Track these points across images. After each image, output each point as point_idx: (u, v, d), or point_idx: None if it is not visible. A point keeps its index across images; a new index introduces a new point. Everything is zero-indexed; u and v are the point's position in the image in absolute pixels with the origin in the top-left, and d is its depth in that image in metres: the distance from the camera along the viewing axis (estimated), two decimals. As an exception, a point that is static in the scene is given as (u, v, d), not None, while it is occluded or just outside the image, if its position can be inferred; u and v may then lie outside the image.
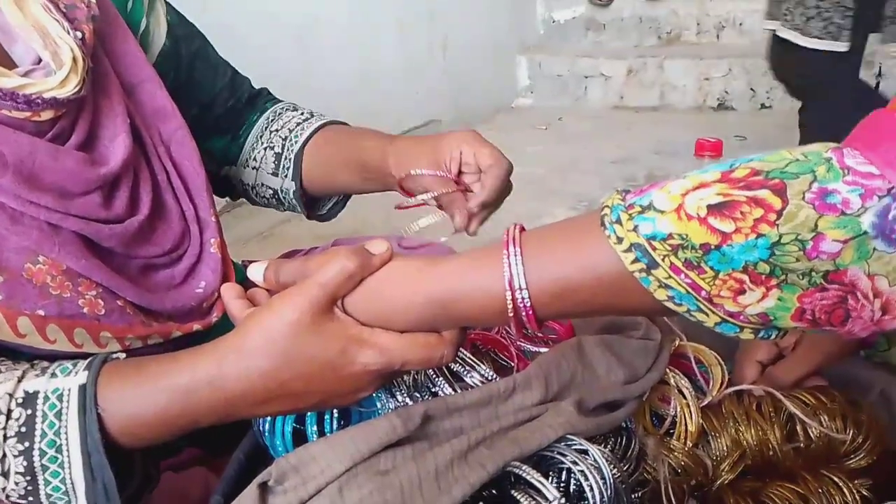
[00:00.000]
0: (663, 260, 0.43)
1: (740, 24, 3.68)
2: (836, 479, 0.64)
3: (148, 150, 0.74)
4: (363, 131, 0.92)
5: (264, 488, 0.53)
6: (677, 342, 0.72)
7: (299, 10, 2.70)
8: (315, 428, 0.61)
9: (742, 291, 0.42)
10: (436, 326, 0.52)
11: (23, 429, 0.51)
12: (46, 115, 0.62)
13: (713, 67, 3.50)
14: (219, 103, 0.91)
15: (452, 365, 0.65)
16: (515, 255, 0.48)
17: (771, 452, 0.65)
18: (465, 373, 0.64)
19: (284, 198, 0.94)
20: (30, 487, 0.51)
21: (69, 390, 0.52)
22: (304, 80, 2.64)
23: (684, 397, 0.66)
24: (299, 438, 0.62)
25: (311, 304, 0.50)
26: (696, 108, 3.55)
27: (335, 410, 0.62)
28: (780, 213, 0.40)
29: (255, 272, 0.57)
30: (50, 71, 0.63)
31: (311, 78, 2.71)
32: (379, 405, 0.63)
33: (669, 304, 0.44)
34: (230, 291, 0.57)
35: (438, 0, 3.38)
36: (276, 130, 0.94)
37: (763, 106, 3.44)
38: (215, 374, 0.51)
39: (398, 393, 0.63)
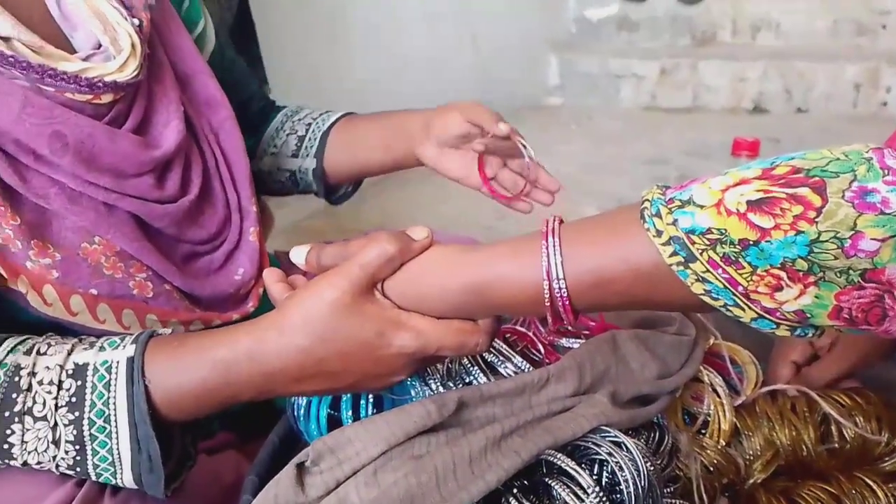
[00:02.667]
0: (701, 254, 0.43)
1: (777, 26, 3.63)
2: (869, 481, 0.63)
3: (199, 137, 0.76)
4: (388, 113, 0.96)
5: (301, 468, 0.54)
6: (712, 341, 0.72)
7: (329, 4, 2.72)
8: (350, 413, 0.62)
9: (779, 288, 0.42)
10: (472, 314, 0.53)
11: (73, 399, 0.52)
12: (106, 98, 0.64)
13: (748, 69, 3.45)
14: (253, 103, 0.95)
15: (487, 355, 0.65)
16: (554, 246, 0.48)
17: (804, 453, 0.65)
18: (500, 363, 0.64)
19: (301, 178, 0.96)
20: (78, 457, 0.53)
21: (117, 362, 0.53)
22: (333, 74, 2.66)
23: (718, 395, 0.66)
24: (333, 424, 0.63)
25: (350, 285, 0.51)
26: (729, 109, 3.51)
27: (370, 396, 0.63)
28: (819, 211, 0.40)
29: (297, 255, 0.58)
30: (109, 56, 0.66)
31: (339, 71, 2.73)
32: (413, 393, 0.63)
33: (706, 298, 0.44)
34: (272, 276, 0.59)
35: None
36: (300, 119, 0.97)
37: (799, 109, 3.39)
38: (255, 348, 0.52)
39: (432, 381, 0.64)
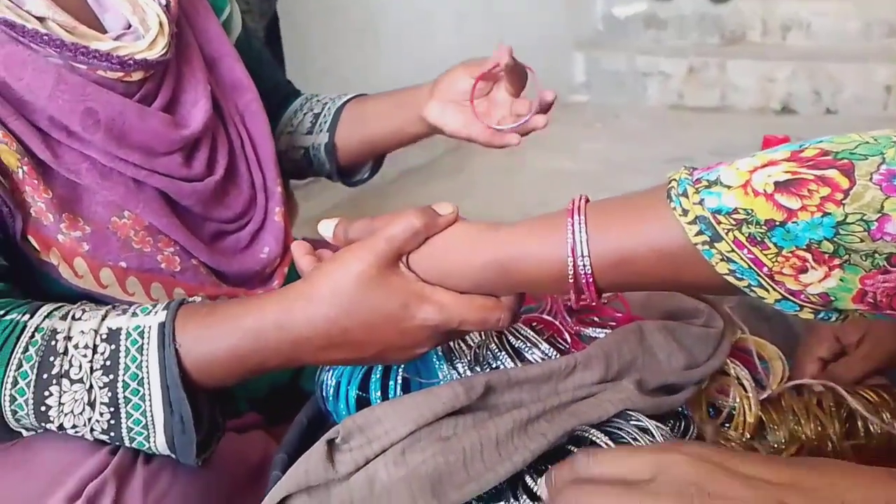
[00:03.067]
0: (727, 234, 0.43)
1: (808, 26, 3.59)
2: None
3: (225, 118, 0.78)
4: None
5: (331, 445, 0.55)
6: (738, 335, 0.72)
7: (358, 5, 2.74)
8: (378, 394, 0.63)
9: (804, 270, 0.42)
10: (494, 289, 0.54)
11: (107, 362, 0.54)
12: (137, 75, 0.66)
13: (777, 69, 3.42)
14: (276, 92, 0.97)
15: (514, 341, 0.66)
16: (580, 223, 0.48)
17: (829, 448, 0.65)
18: (527, 349, 0.65)
19: (314, 155, 0.96)
20: (112, 420, 0.54)
21: (149, 327, 0.54)
22: (363, 72, 2.68)
23: (744, 389, 0.66)
24: (362, 405, 0.64)
25: (376, 257, 0.52)
26: (757, 109, 3.48)
27: (399, 378, 0.63)
28: (846, 193, 0.40)
29: (326, 228, 0.59)
30: (139, 35, 0.68)
31: (368, 70, 2.74)
32: (440, 376, 0.64)
33: (730, 279, 0.44)
34: (300, 248, 0.60)
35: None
36: (318, 100, 0.99)
37: (828, 111, 3.36)
38: (283, 317, 0.53)
39: (459, 364, 0.64)
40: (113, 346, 0.54)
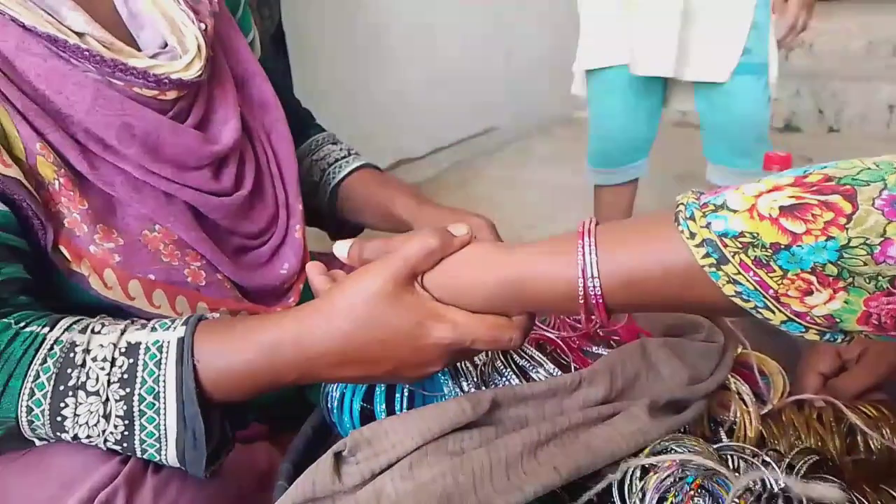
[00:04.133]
0: (733, 257, 0.44)
1: (810, 46, 3.61)
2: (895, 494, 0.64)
3: (253, 136, 0.81)
4: (394, 183, 0.97)
5: (338, 457, 0.56)
6: (740, 349, 0.72)
7: (364, 19, 2.77)
8: (383, 406, 0.64)
9: (809, 292, 0.43)
10: (506, 309, 0.55)
11: (125, 376, 0.55)
12: (171, 94, 0.68)
13: (780, 88, 3.42)
14: (290, 114, 0.96)
15: (519, 360, 0.67)
16: (590, 245, 0.50)
17: (830, 463, 0.65)
18: (532, 368, 0.66)
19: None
20: (126, 432, 0.55)
21: (168, 342, 0.56)
22: (368, 87, 2.70)
23: (745, 403, 0.67)
24: (366, 417, 0.65)
25: (392, 276, 0.53)
26: (760, 127, 3.49)
27: (405, 390, 0.64)
28: (849, 217, 0.41)
29: (340, 249, 0.61)
30: (175, 55, 0.70)
31: (374, 85, 2.77)
32: (445, 390, 0.65)
33: (737, 300, 0.46)
34: (314, 269, 0.61)
35: (503, 11, 3.40)
36: (317, 161, 1.00)
37: (832, 129, 3.37)
38: (300, 333, 0.55)
39: (465, 382, 0.65)
40: (131, 360, 0.55)
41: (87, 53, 0.63)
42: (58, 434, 0.55)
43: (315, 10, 2.49)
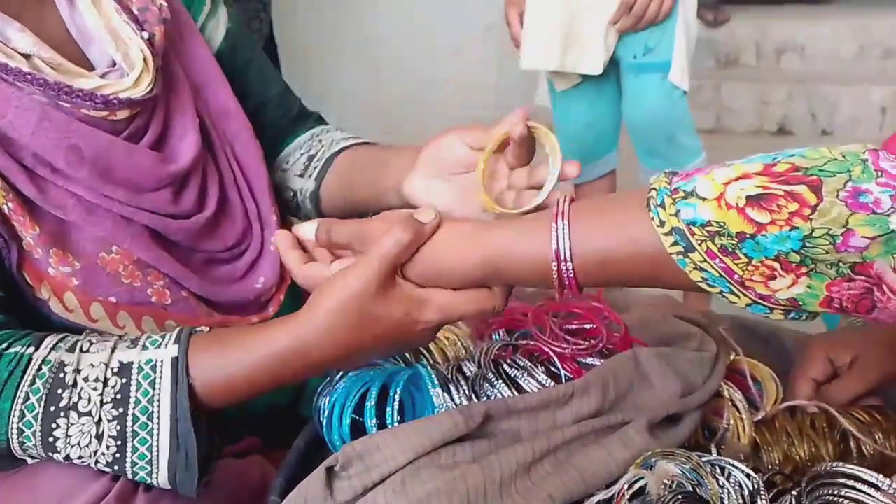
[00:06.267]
0: (700, 245, 0.46)
1: (802, 49, 3.62)
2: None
3: (215, 148, 0.78)
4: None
5: (330, 473, 0.56)
6: (732, 356, 0.72)
7: (357, 27, 2.78)
8: (374, 421, 0.63)
9: (773, 277, 0.45)
10: (485, 284, 0.57)
11: (118, 396, 0.54)
12: (122, 114, 0.66)
13: (772, 91, 3.45)
14: (267, 112, 0.91)
15: (510, 370, 0.66)
16: (563, 229, 0.51)
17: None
18: (523, 378, 0.66)
19: (302, 201, 0.90)
20: (118, 454, 0.54)
21: (162, 361, 0.56)
22: (363, 94, 2.71)
23: (738, 410, 0.67)
24: (357, 431, 0.64)
25: (375, 276, 0.54)
26: (753, 132, 3.50)
27: (395, 403, 0.64)
28: (814, 209, 0.43)
29: (306, 230, 0.62)
30: (124, 72, 0.68)
31: (368, 91, 2.77)
32: (437, 402, 0.65)
33: (703, 286, 0.48)
34: (286, 241, 0.62)
35: (495, 19, 3.41)
36: (320, 141, 0.92)
37: (824, 132, 3.38)
38: (295, 346, 0.56)
39: (456, 395, 0.65)
40: (124, 380, 0.55)
41: (30, 77, 0.61)
42: (50, 454, 0.55)
43: (307, 19, 2.50)
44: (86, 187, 0.65)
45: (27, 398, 0.54)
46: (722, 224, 0.45)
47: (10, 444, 0.55)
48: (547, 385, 0.65)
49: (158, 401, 0.54)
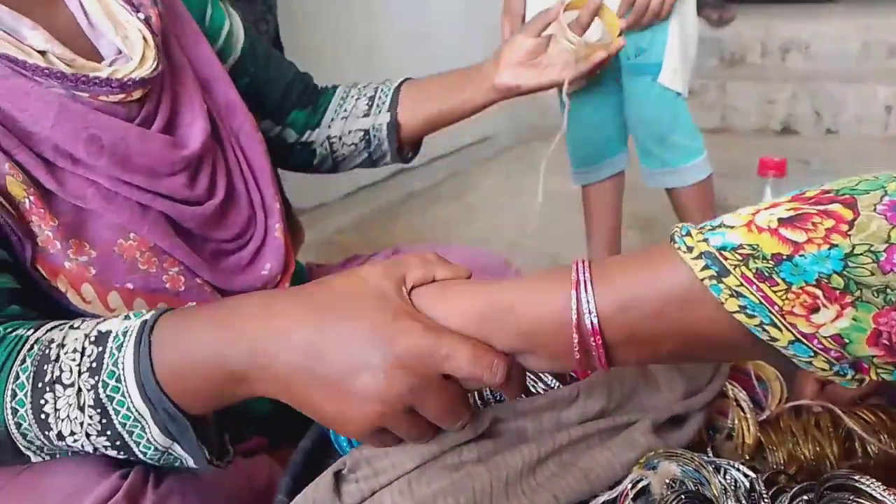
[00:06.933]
0: (734, 269, 0.42)
1: (806, 48, 3.62)
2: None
3: (223, 139, 0.81)
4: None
5: (338, 476, 0.56)
6: (736, 356, 0.72)
7: (359, 25, 2.79)
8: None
9: (815, 308, 0.41)
10: (491, 338, 0.51)
11: (93, 364, 0.52)
12: (137, 94, 0.69)
13: (777, 90, 3.45)
14: (294, 87, 1.00)
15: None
16: (584, 273, 0.48)
17: (828, 468, 0.65)
18: (532, 384, 0.66)
19: (375, 135, 1.01)
20: (104, 420, 0.52)
21: (133, 327, 0.53)
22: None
23: (742, 410, 0.67)
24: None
25: (382, 269, 0.53)
26: (758, 130, 3.50)
27: None
28: (851, 224, 0.40)
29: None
30: (128, 57, 0.70)
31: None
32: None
33: (741, 316, 0.43)
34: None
35: (499, 20, 3.42)
36: (365, 86, 1.04)
37: (829, 131, 3.38)
38: (266, 300, 0.54)
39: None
40: (100, 349, 0.53)
41: (48, 71, 0.63)
42: (45, 433, 0.54)
43: (312, 21, 2.51)
44: (105, 175, 0.66)
45: (17, 377, 0.53)
46: (755, 246, 0.42)
47: (9, 429, 0.54)
48: (554, 387, 0.66)
49: (122, 364, 0.52)
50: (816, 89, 3.36)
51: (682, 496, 0.52)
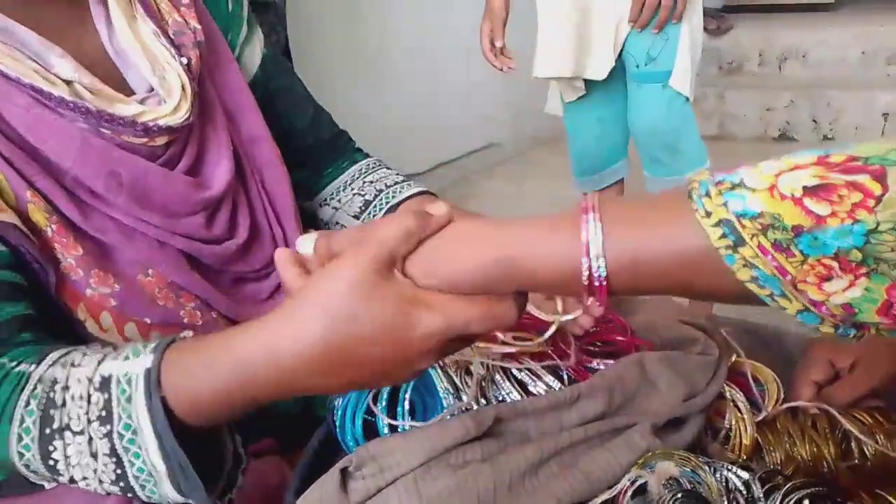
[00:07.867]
0: (752, 238, 0.41)
1: (804, 56, 3.64)
2: (893, 500, 0.65)
3: (246, 175, 0.79)
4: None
5: (345, 473, 0.57)
6: (734, 358, 0.74)
7: (365, 41, 2.81)
8: (386, 420, 0.65)
9: (828, 278, 0.40)
10: (497, 290, 0.50)
11: (103, 412, 0.51)
12: (161, 140, 0.68)
13: (775, 98, 3.46)
14: (298, 138, 0.92)
15: (518, 374, 0.68)
16: (594, 220, 0.46)
17: (825, 469, 0.66)
18: (531, 383, 0.67)
19: None
20: (118, 471, 0.52)
21: (136, 375, 0.51)
22: (371, 106, 2.73)
23: (740, 411, 0.68)
24: (369, 430, 0.66)
25: (369, 263, 0.47)
26: (756, 138, 3.52)
27: (406, 403, 0.65)
28: (879, 200, 0.38)
29: (305, 245, 0.53)
30: (161, 99, 0.69)
31: (382, 100, 2.80)
32: (445, 404, 0.66)
33: (752, 286, 0.42)
34: (284, 256, 0.53)
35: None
36: (371, 182, 0.93)
37: (826, 137, 3.39)
38: (268, 343, 0.48)
39: (464, 396, 0.66)
40: (106, 396, 0.52)
41: (72, 105, 0.62)
42: (55, 477, 0.53)
43: (320, 33, 2.53)
44: (123, 212, 0.66)
45: (23, 421, 0.52)
46: (777, 216, 0.40)
47: (17, 469, 0.53)
48: (554, 387, 0.67)
49: (138, 417, 0.51)
50: (814, 97, 3.38)
51: (679, 495, 0.53)
